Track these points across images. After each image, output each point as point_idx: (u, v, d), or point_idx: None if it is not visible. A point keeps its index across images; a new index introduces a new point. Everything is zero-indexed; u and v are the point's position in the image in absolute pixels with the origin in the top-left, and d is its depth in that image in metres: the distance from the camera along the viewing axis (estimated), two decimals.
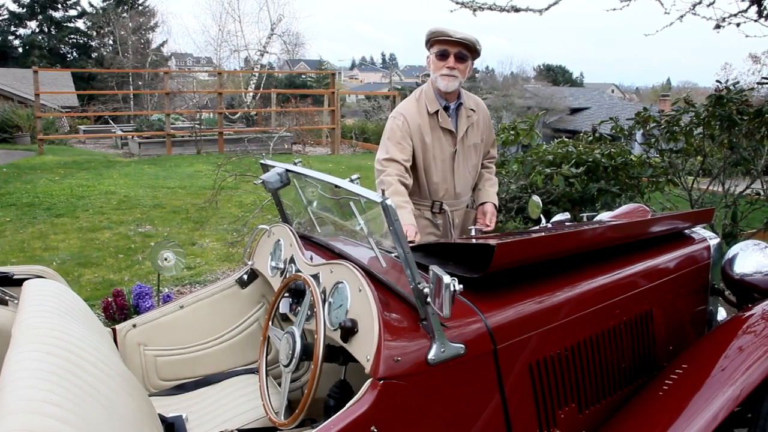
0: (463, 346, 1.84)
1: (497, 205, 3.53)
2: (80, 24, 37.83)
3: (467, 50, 3.25)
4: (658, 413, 2.22)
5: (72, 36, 37.63)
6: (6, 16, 36.41)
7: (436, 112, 3.32)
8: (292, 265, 2.49)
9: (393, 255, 2.20)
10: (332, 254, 2.48)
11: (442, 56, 3.24)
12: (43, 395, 1.44)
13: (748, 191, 5.72)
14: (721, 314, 3.09)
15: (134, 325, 2.77)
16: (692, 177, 5.86)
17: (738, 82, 5.60)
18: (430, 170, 3.34)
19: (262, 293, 2.99)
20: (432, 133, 3.32)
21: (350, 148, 21.72)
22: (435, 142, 3.33)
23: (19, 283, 2.36)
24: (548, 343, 2.14)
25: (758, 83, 6.34)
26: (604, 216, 3.59)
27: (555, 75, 58.18)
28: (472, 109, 3.42)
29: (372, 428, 1.66)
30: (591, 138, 6.41)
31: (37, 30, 37.11)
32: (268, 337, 2.33)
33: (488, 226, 3.43)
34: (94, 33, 37.40)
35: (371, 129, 24.25)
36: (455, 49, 3.22)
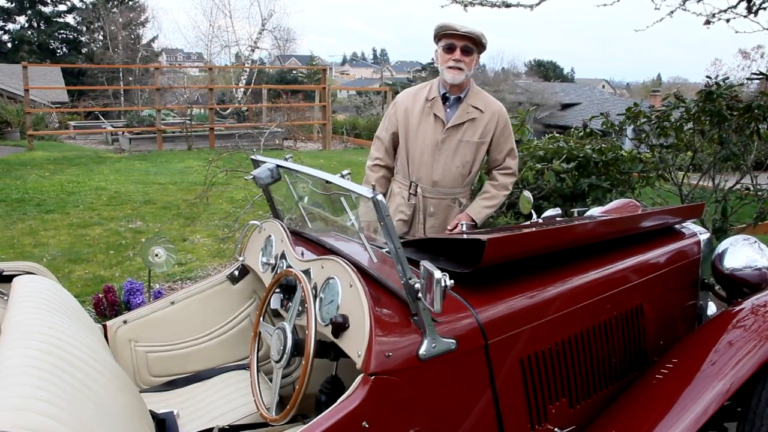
0: (454, 341, 1.84)
1: (476, 221, 3.48)
2: (70, 19, 37.60)
3: (473, 44, 3.33)
4: (649, 407, 2.23)
5: (62, 31, 37.38)
6: None
7: (433, 99, 3.43)
8: (283, 260, 2.49)
9: (384, 250, 2.20)
10: (323, 250, 2.48)
11: (449, 49, 3.34)
12: (33, 392, 1.44)
13: (738, 186, 5.74)
14: (711, 309, 3.11)
15: (125, 322, 2.77)
16: (682, 172, 5.88)
17: (728, 78, 5.61)
18: (411, 151, 3.48)
19: (253, 289, 2.98)
20: (421, 116, 3.44)
21: (341, 143, 21.66)
22: (423, 125, 3.44)
23: (8, 279, 2.35)
24: (539, 338, 2.14)
25: (748, 79, 6.38)
26: (595, 211, 3.60)
27: (546, 71, 58.25)
28: (477, 108, 3.43)
29: (363, 423, 1.66)
30: (582, 133, 6.40)
31: (27, 25, 36.85)
32: (259, 333, 2.32)
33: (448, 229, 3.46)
34: (84, 28, 37.18)
35: (362, 125, 24.21)
36: (461, 43, 3.31)
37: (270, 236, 2.71)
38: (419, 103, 3.46)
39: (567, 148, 5.92)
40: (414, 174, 3.48)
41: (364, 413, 1.66)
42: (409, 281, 1.76)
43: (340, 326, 1.87)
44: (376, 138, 3.66)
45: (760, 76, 5.63)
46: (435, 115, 3.41)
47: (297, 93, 26.88)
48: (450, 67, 3.32)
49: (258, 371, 2.30)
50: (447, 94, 3.43)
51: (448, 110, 3.43)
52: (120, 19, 34.66)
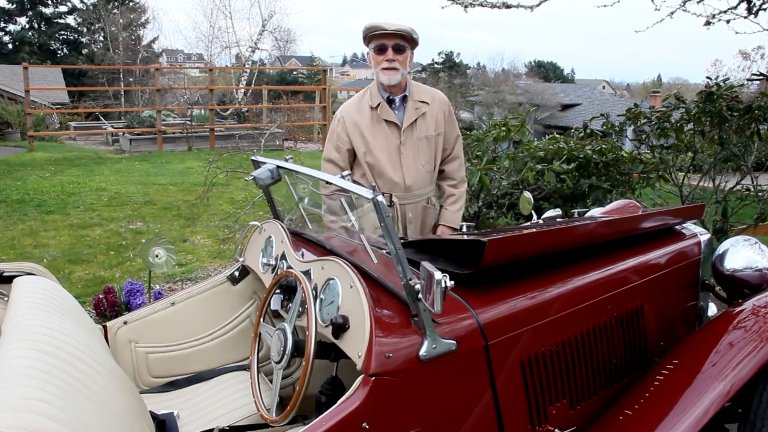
0: (454, 342, 1.84)
1: (458, 228, 3.45)
2: (70, 20, 37.62)
3: (404, 41, 3.23)
4: (650, 409, 2.23)
5: (62, 32, 37.40)
6: None
7: (378, 105, 3.31)
8: (284, 261, 2.49)
9: (384, 251, 2.19)
10: (323, 250, 2.48)
11: (380, 50, 3.24)
12: (33, 392, 1.43)
13: (739, 187, 5.75)
14: (712, 310, 3.10)
15: (125, 322, 2.77)
16: (683, 173, 5.88)
17: (728, 79, 5.64)
18: (374, 162, 3.33)
19: (253, 290, 2.98)
20: (373, 126, 3.32)
21: None
22: (378, 134, 3.32)
23: (9, 280, 2.35)
24: (540, 338, 2.14)
25: (748, 79, 6.39)
26: (595, 212, 3.60)
27: (546, 71, 58.30)
28: (423, 101, 3.37)
29: (363, 424, 1.66)
30: (582, 134, 6.41)
31: (27, 26, 36.85)
32: (260, 333, 2.32)
33: None
34: (85, 29, 37.20)
35: None
36: (392, 42, 3.21)
37: (270, 237, 2.71)
38: (365, 113, 3.33)
39: (567, 148, 5.92)
40: (385, 185, 3.35)
41: (365, 414, 1.66)
42: (410, 282, 1.75)
43: (340, 327, 1.87)
44: (328, 162, 3.40)
45: (761, 77, 5.64)
46: (386, 121, 3.31)
47: (297, 94, 26.84)
48: (385, 69, 3.23)
49: (258, 372, 2.30)
50: (391, 97, 3.33)
51: (396, 112, 3.33)
52: (120, 20, 34.72)
